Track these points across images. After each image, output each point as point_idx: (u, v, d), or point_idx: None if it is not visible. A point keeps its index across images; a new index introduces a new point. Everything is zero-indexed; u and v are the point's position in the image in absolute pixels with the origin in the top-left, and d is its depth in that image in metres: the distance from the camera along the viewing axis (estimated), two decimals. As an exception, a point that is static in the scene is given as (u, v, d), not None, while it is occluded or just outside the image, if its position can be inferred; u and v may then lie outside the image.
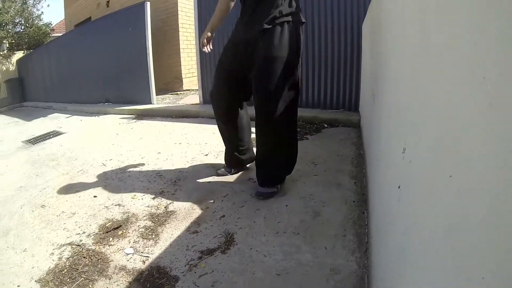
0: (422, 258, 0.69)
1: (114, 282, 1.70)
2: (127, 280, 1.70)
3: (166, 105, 6.06)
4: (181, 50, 8.28)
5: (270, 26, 2.08)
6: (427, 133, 0.74)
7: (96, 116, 6.03)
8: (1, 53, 12.25)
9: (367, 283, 1.49)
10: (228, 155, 2.70)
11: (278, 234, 1.93)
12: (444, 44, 0.67)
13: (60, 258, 1.92)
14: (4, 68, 12.23)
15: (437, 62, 0.71)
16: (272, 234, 1.94)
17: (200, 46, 2.58)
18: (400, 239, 0.93)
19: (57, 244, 2.05)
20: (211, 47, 2.60)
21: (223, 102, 2.46)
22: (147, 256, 1.86)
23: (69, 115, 6.61)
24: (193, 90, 7.97)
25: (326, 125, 3.85)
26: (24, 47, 13.38)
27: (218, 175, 2.73)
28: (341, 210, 2.07)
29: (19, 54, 12.58)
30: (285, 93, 2.14)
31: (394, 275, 0.96)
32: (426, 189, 0.71)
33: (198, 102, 5.80)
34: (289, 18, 2.11)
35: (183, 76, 8.38)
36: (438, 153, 0.65)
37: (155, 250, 1.91)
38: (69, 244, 2.04)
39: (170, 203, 2.37)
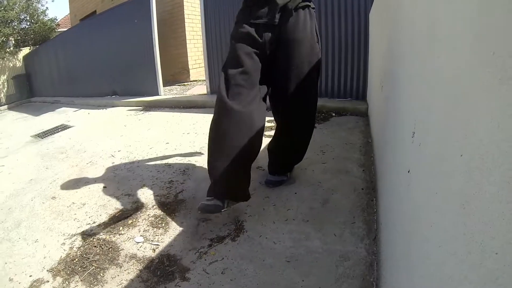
0: (432, 240, 0.68)
1: (125, 270, 1.70)
2: (137, 268, 1.70)
3: (174, 96, 6.05)
4: (188, 41, 8.23)
5: (294, 9, 1.94)
6: (436, 115, 0.73)
7: (104, 109, 6.04)
8: (8, 50, 12.28)
9: (376, 270, 1.48)
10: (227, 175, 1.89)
11: (287, 222, 1.92)
12: (453, 25, 0.66)
13: (71, 248, 1.93)
14: (11, 65, 12.27)
15: (445, 46, 0.70)
16: (282, 221, 1.93)
17: None
18: (409, 223, 0.92)
19: (68, 234, 2.06)
20: None
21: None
22: (157, 245, 1.86)
23: (76, 109, 6.64)
24: (200, 80, 7.96)
25: (334, 114, 3.81)
26: (30, 43, 13.42)
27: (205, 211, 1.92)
28: (350, 198, 2.05)
29: (25, 50, 12.60)
30: (309, 79, 2.03)
31: (403, 260, 0.95)
32: (436, 170, 0.70)
33: (205, 92, 5.77)
34: (309, 3, 2.00)
35: (190, 67, 8.35)
36: (448, 133, 0.64)
37: (165, 239, 1.91)
38: (80, 234, 2.05)
39: (179, 192, 2.37)
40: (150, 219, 2.10)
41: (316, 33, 2.05)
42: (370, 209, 1.91)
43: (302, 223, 1.89)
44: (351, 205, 1.98)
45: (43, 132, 5.09)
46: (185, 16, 8.08)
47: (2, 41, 12.27)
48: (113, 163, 3.08)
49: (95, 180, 2.74)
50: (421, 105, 0.89)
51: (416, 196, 0.87)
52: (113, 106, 6.18)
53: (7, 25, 12.65)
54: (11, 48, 12.60)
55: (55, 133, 4.86)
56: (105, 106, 6.29)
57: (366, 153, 2.64)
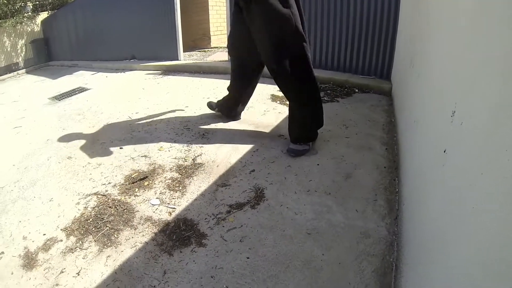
0: (476, 222, 0.65)
1: (140, 233, 1.64)
2: (152, 231, 1.64)
3: (194, 61, 5.90)
4: (210, 8, 8.08)
5: None
6: (484, 93, 0.71)
7: (122, 72, 5.95)
8: (26, 15, 12.21)
9: (396, 250, 1.45)
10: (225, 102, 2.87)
11: (309, 193, 1.85)
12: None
13: (85, 208, 1.88)
14: (29, 30, 12.21)
15: (498, 22, 0.67)
16: (303, 192, 1.86)
17: None
18: (443, 204, 0.90)
19: (83, 194, 2.01)
20: None
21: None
22: (174, 208, 1.79)
23: (94, 72, 6.56)
24: (221, 47, 7.82)
25: (356, 90, 3.68)
26: (48, 7, 13.30)
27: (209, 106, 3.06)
28: (373, 175, 1.98)
29: (43, 15, 12.53)
30: (284, 45, 2.10)
31: (434, 242, 0.93)
32: (483, 150, 0.68)
33: (226, 59, 5.61)
34: None
35: (212, 33, 8.23)
36: (500, 112, 0.61)
37: (182, 202, 1.83)
38: (95, 194, 1.99)
39: (198, 156, 2.28)
40: (166, 181, 2.03)
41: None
42: (392, 188, 1.85)
43: (324, 196, 1.82)
44: (373, 182, 1.91)
45: (61, 94, 5.04)
46: (208, -18, 7.89)
47: (20, 6, 12.19)
48: (130, 124, 3.00)
49: (111, 141, 2.67)
50: (465, 85, 0.87)
51: (454, 177, 0.85)
52: (131, 70, 6.08)
53: (25, -10, 12.54)
54: (29, 13, 12.52)
55: (72, 95, 4.80)
56: (123, 70, 6.20)
57: (389, 132, 2.53)
